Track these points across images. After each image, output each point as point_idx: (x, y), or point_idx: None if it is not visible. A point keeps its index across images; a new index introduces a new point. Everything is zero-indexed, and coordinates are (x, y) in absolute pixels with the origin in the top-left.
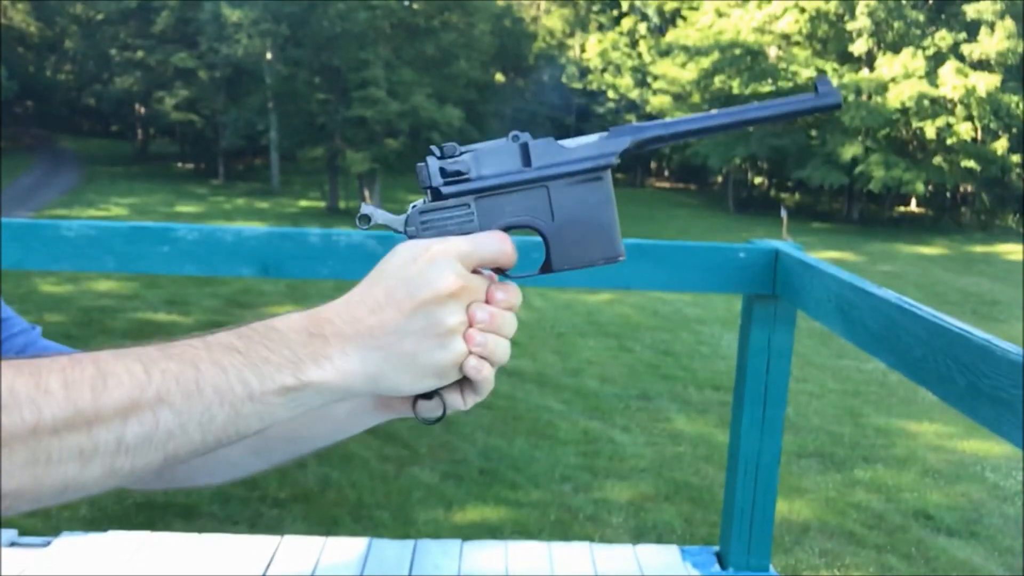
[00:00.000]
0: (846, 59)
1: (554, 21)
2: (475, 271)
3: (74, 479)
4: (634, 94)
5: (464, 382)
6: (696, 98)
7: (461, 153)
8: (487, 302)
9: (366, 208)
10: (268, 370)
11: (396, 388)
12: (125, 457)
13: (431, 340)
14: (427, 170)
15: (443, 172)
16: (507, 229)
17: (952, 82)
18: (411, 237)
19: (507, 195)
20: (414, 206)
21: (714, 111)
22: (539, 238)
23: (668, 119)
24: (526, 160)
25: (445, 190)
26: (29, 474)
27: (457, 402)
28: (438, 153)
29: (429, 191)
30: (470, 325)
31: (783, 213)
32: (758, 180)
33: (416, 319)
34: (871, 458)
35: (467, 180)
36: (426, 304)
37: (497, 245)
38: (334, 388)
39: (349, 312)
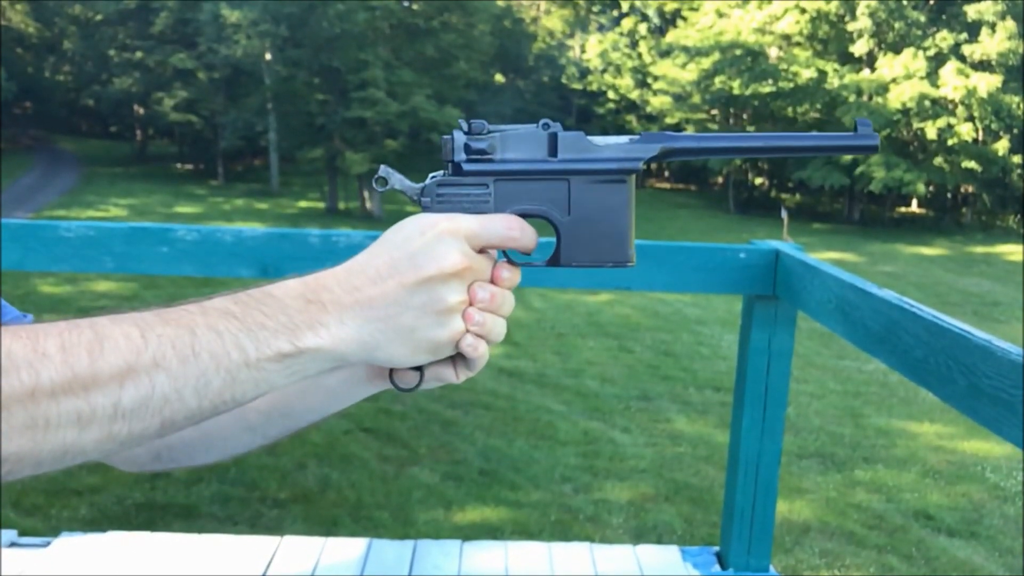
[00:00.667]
0: (847, 60)
1: (554, 22)
2: (481, 251)
3: (73, 443)
4: (634, 95)
5: (458, 357)
6: (696, 99)
7: (488, 132)
8: (491, 281)
9: (384, 170)
10: (264, 336)
11: (390, 359)
12: (122, 422)
13: (430, 316)
14: (452, 143)
15: (467, 148)
16: (521, 216)
17: (953, 83)
18: (424, 208)
19: (527, 182)
20: (433, 176)
21: (750, 133)
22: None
23: (702, 133)
24: (552, 150)
25: (467, 167)
26: (28, 438)
27: (450, 376)
28: (465, 128)
29: (450, 165)
30: (470, 303)
31: (784, 214)
32: (759, 181)
33: (418, 294)
34: (872, 458)
35: (490, 160)
36: (429, 280)
37: (504, 228)
38: (330, 355)
39: (349, 280)
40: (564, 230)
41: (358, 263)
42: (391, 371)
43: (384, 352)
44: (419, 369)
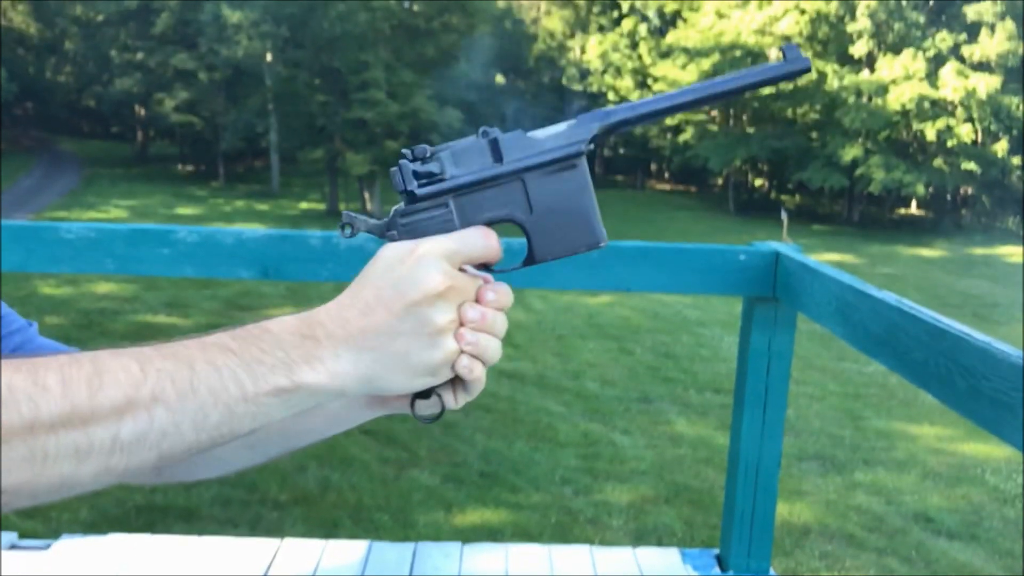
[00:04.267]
0: (846, 61)
1: (554, 23)
2: (462, 269)
3: (70, 476)
4: (634, 96)
5: (456, 381)
6: None
7: (432, 154)
8: (477, 302)
9: (348, 216)
10: (261, 371)
11: (389, 388)
12: (120, 455)
13: (422, 339)
14: (400, 174)
15: (416, 175)
16: (488, 224)
17: (952, 84)
18: (392, 240)
19: (483, 191)
20: (395, 210)
21: (682, 89)
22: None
23: (635, 101)
24: (497, 155)
25: (420, 192)
26: (27, 470)
27: (449, 401)
28: (410, 156)
29: (405, 194)
30: (461, 324)
31: (783, 215)
32: (759, 182)
33: (406, 319)
34: (871, 461)
35: (441, 180)
36: (416, 304)
37: (482, 240)
38: (327, 390)
39: (340, 314)
40: (531, 227)
41: (346, 297)
42: (411, 402)
43: (382, 381)
44: (430, 396)
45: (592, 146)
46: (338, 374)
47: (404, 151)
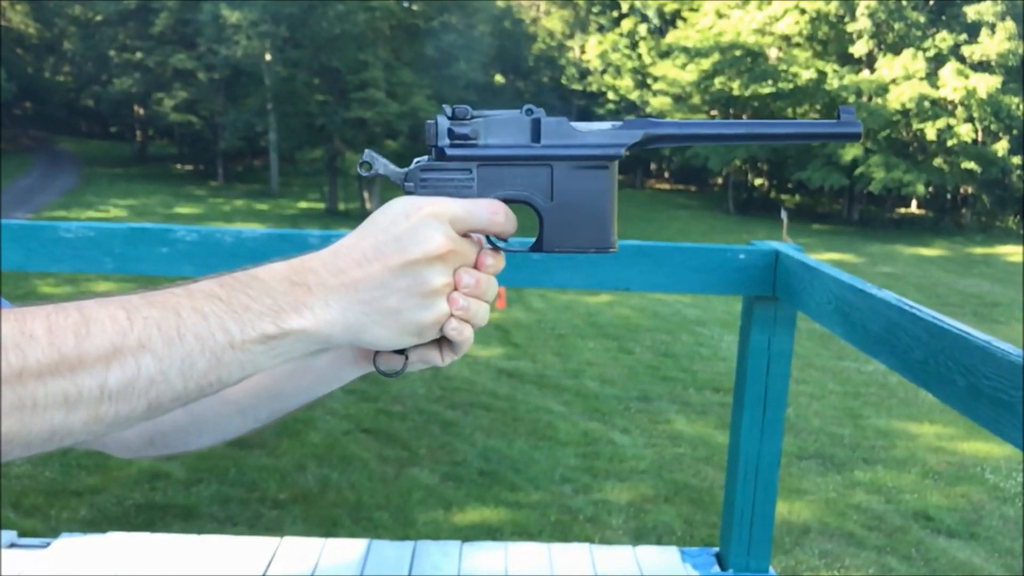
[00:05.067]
0: (846, 60)
1: (554, 23)
2: (465, 235)
3: (60, 425)
4: (634, 95)
5: (443, 340)
6: (696, 99)
7: (472, 117)
8: (475, 267)
9: (369, 155)
10: (249, 318)
11: (375, 342)
12: (109, 403)
13: (415, 299)
14: (435, 128)
15: (451, 133)
16: (504, 201)
17: (952, 83)
18: (408, 193)
19: (510, 167)
20: (417, 162)
21: (731, 120)
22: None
23: (685, 120)
24: (536, 136)
25: (450, 151)
26: (16, 419)
27: (435, 358)
28: (449, 113)
29: (434, 149)
30: (455, 288)
31: (783, 214)
32: (758, 181)
33: (402, 277)
34: (871, 459)
35: (473, 145)
36: (414, 263)
37: (489, 213)
38: (314, 336)
39: (335, 262)
40: (547, 216)
41: (344, 245)
42: (375, 355)
43: (369, 334)
44: (403, 354)
45: (628, 152)
46: (326, 321)
47: (444, 107)
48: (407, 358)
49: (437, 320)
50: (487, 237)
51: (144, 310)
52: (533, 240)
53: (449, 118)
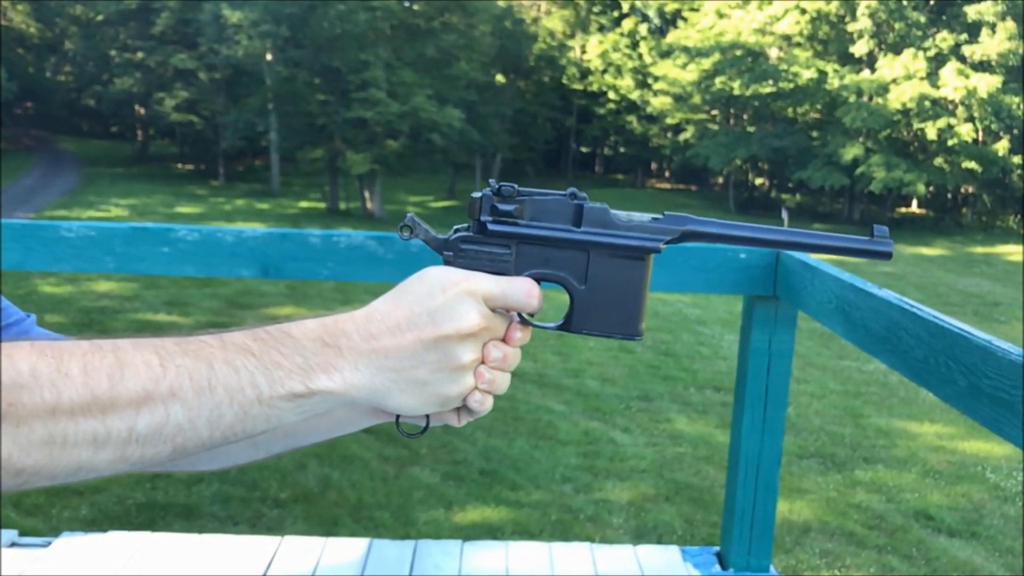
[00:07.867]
0: (847, 60)
1: (555, 22)
2: (495, 310)
3: (87, 462)
4: (635, 95)
5: (462, 407)
6: (697, 99)
7: (518, 195)
8: (504, 340)
9: (411, 219)
10: (279, 375)
11: (400, 408)
12: (135, 446)
13: (443, 373)
14: (480, 203)
15: (494, 210)
16: (538, 279)
17: (953, 83)
18: (445, 261)
19: (548, 248)
20: (456, 230)
21: (771, 227)
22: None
23: (725, 221)
24: (577, 220)
25: (492, 227)
26: (46, 453)
27: (453, 420)
28: (495, 188)
29: (476, 223)
30: (482, 361)
31: (784, 214)
32: (759, 181)
33: (433, 350)
34: (872, 459)
35: (515, 223)
36: (446, 339)
37: (524, 296)
38: (341, 398)
39: (367, 328)
40: (579, 299)
41: (378, 311)
42: (397, 416)
43: (395, 400)
44: (424, 416)
45: (664, 246)
46: (354, 385)
47: (491, 182)
48: (428, 422)
49: (462, 393)
50: (519, 313)
51: (178, 358)
52: (562, 319)
53: (494, 193)
